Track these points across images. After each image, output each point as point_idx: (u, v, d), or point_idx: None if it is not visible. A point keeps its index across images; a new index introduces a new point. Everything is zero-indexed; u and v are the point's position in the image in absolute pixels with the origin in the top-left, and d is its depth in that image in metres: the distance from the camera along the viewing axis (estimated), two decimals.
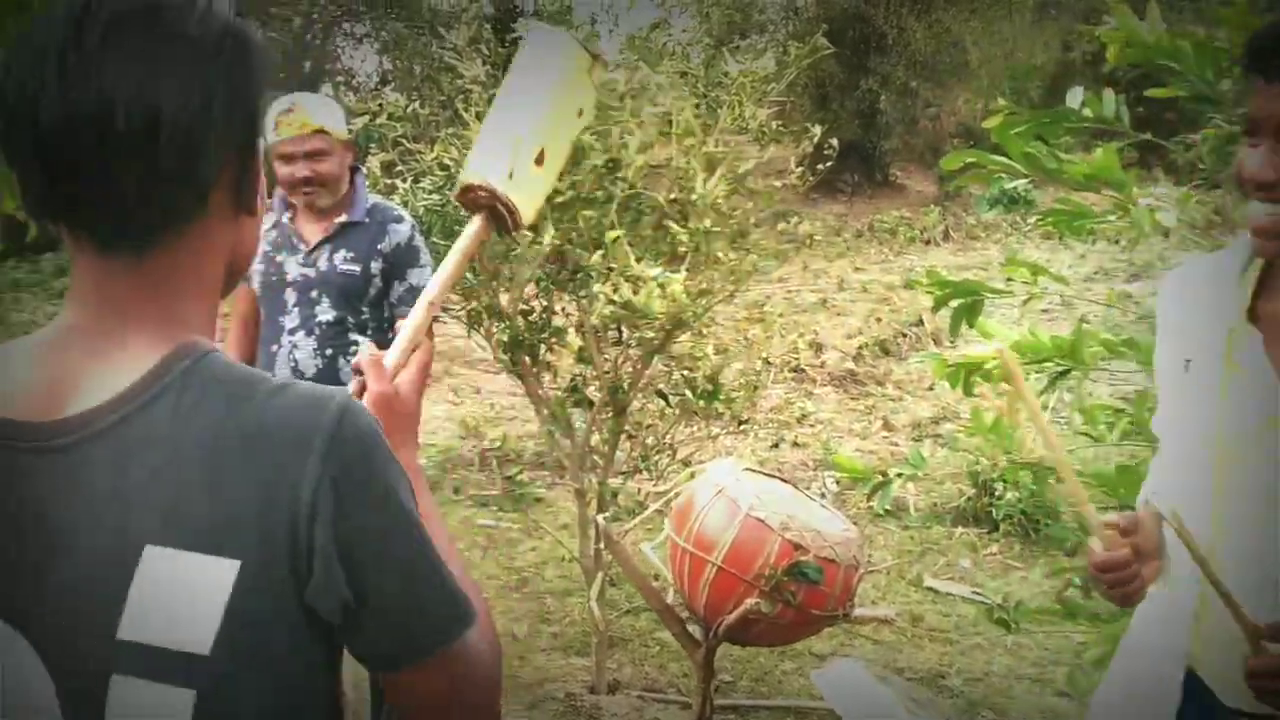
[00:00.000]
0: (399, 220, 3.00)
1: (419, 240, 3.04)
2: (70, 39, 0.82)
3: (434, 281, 1.34)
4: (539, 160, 1.40)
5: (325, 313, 2.92)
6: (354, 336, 2.92)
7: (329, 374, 2.88)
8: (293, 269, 2.95)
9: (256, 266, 2.96)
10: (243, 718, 0.84)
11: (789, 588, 2.55)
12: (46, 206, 0.87)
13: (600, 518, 3.17)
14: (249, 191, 0.94)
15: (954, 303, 2.67)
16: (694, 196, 3.22)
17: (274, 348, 2.94)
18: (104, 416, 0.84)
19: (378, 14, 12.80)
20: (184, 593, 0.81)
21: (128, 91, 0.82)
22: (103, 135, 0.82)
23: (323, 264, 2.93)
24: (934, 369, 2.75)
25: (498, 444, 5.85)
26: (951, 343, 3.49)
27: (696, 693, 2.96)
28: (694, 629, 2.89)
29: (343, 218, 2.96)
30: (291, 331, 2.92)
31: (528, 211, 1.40)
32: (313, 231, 2.97)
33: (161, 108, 0.83)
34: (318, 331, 2.91)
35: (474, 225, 1.39)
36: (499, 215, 1.37)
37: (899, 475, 2.90)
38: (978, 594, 4.41)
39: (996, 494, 5.07)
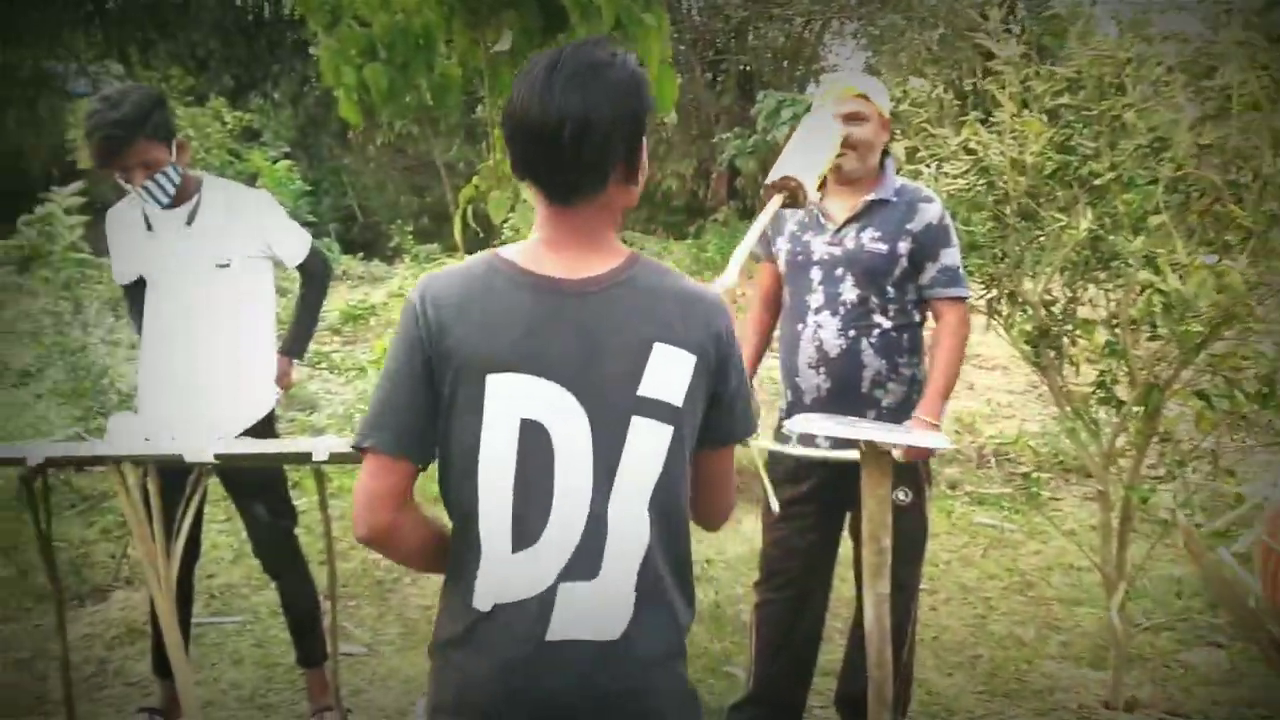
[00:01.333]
0: (929, 200, 2.91)
1: (948, 220, 2.94)
2: (544, 82, 1.46)
3: (742, 246, 2.49)
4: (820, 176, 2.70)
5: (849, 292, 2.89)
6: (877, 318, 2.89)
7: (851, 356, 2.88)
8: (819, 247, 2.94)
9: (783, 245, 3.02)
10: (686, 442, 1.54)
11: None
12: (527, 171, 1.52)
13: (1182, 516, 2.92)
14: (634, 169, 1.54)
15: None
16: (1258, 177, 2.88)
17: (799, 326, 2.96)
18: (614, 278, 1.53)
19: (870, 9, 12.84)
20: (672, 370, 1.50)
21: (573, 113, 1.44)
22: (556, 138, 1.45)
23: (849, 242, 2.90)
24: None
25: (995, 440, 5.65)
26: None
27: None
28: None
29: (871, 195, 2.90)
30: (816, 310, 2.92)
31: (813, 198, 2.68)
32: (840, 209, 2.94)
33: (591, 122, 1.45)
34: (841, 311, 2.89)
35: (775, 203, 2.61)
36: (794, 200, 2.61)
37: None
38: None
39: None
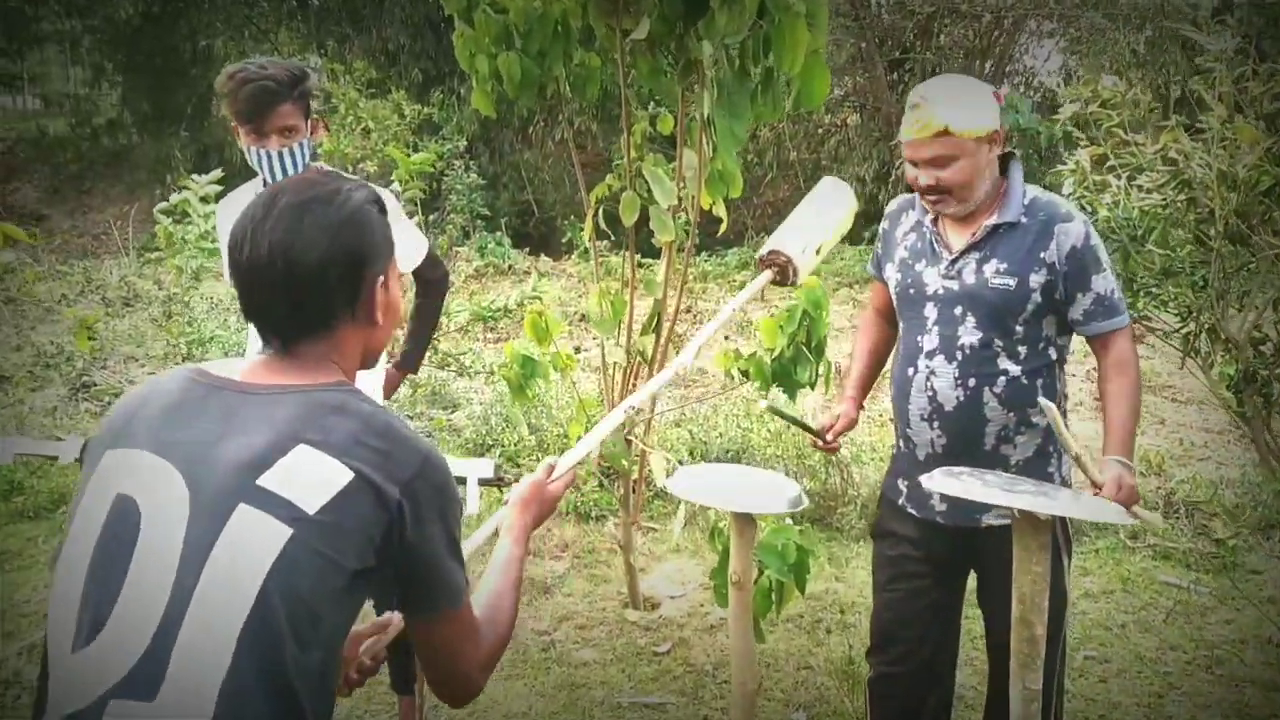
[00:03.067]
0: (1068, 218, 2.43)
1: (1096, 239, 2.44)
2: (260, 217, 1.40)
3: (711, 325, 2.43)
4: (819, 251, 2.64)
5: (969, 334, 2.46)
6: (1003, 363, 2.44)
7: (971, 409, 2.46)
8: (933, 280, 2.53)
9: (892, 273, 2.64)
10: (317, 560, 1.28)
11: None
12: (247, 312, 1.46)
13: None
14: (366, 309, 1.46)
15: None
16: None
17: (910, 370, 2.56)
18: (299, 388, 1.38)
19: (1067, 7, 11.98)
20: (313, 474, 1.30)
21: (284, 251, 1.38)
22: (269, 277, 1.39)
23: (969, 276, 2.48)
24: None
25: (1185, 486, 5.03)
26: None
27: None
28: None
29: (993, 219, 2.46)
30: (929, 354, 2.52)
31: (805, 277, 2.68)
32: (958, 236, 2.52)
33: (301, 261, 1.39)
34: (959, 356, 2.47)
35: (764, 278, 2.61)
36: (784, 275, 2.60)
37: None
38: None
39: None
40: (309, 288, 1.38)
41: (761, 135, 12.73)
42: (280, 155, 2.71)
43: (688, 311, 7.99)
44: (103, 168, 16.20)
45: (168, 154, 14.12)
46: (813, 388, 3.58)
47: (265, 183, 2.76)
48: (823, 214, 2.70)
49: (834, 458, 4.66)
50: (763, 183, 12.52)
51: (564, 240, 12.30)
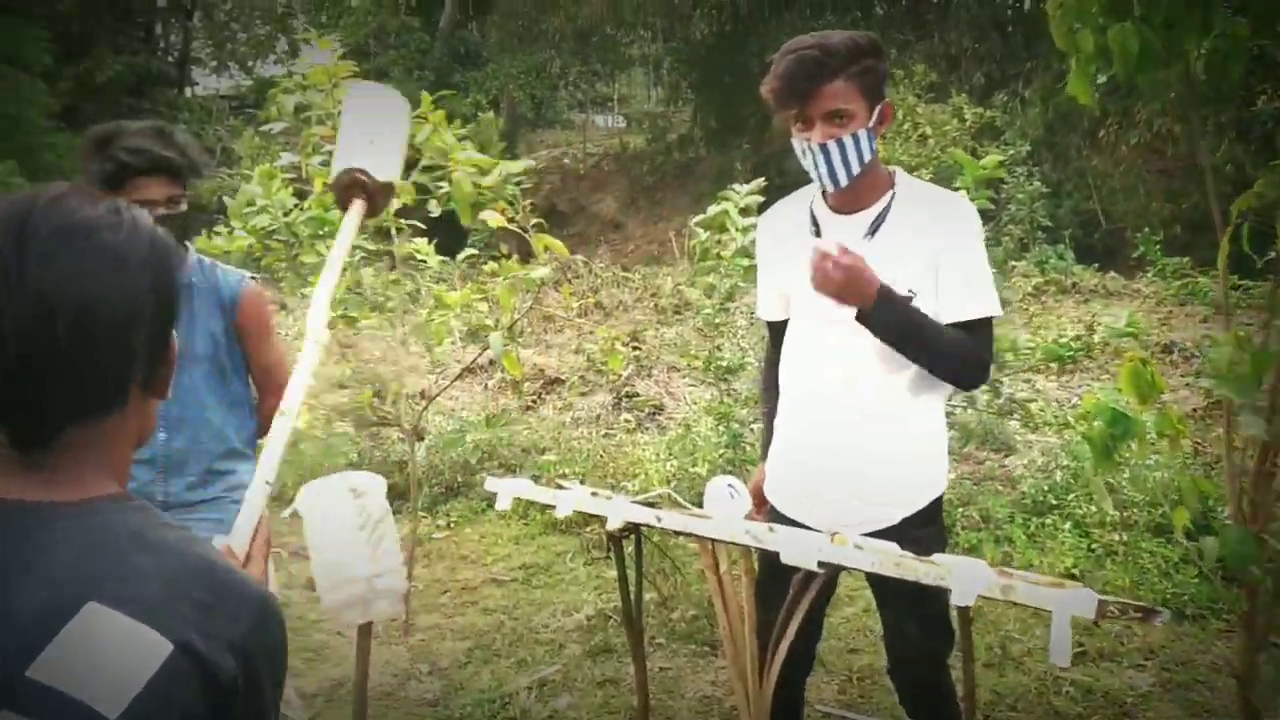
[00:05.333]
0: None
1: None
2: (13, 253, 0.94)
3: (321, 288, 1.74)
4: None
5: None
6: None
7: None
8: None
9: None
10: None
11: None
12: None
13: None
14: (162, 376, 1.09)
15: None
16: None
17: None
18: (61, 506, 0.96)
19: None
20: (113, 652, 0.89)
21: (68, 299, 0.94)
22: (43, 340, 0.94)
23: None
24: None
25: None
26: None
27: None
28: None
29: None
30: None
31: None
32: None
33: (96, 314, 0.96)
34: None
35: (356, 212, 1.84)
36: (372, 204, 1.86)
37: None
38: None
39: None
40: (101, 352, 0.97)
41: None
42: (826, 149, 2.13)
43: None
44: (673, 179, 17.24)
45: (730, 166, 14.58)
46: None
47: (823, 188, 2.22)
48: (374, 118, 1.98)
49: None
50: None
51: (1133, 255, 10.79)
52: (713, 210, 4.01)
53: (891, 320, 2.11)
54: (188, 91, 21.61)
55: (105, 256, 0.98)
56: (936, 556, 2.02)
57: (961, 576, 1.85)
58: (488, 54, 18.55)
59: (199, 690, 0.91)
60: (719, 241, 4.03)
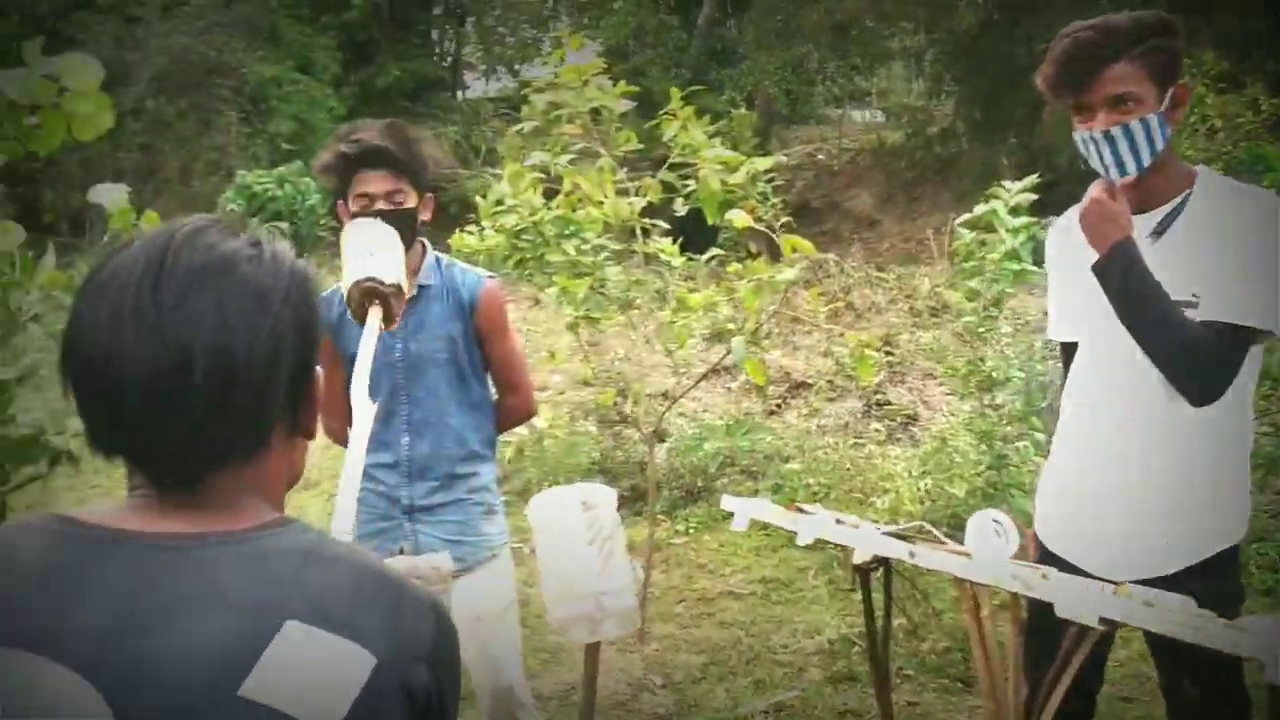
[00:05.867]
0: None
1: None
2: (148, 293, 0.89)
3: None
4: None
5: None
6: None
7: None
8: None
9: None
10: None
11: None
12: (113, 446, 0.94)
13: None
14: (307, 415, 1.02)
15: None
16: None
17: None
18: (225, 535, 0.92)
19: None
20: (320, 666, 0.88)
21: (205, 342, 0.89)
22: (179, 385, 0.89)
23: None
24: None
25: None
26: None
27: None
28: None
29: None
30: None
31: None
32: None
33: (235, 355, 0.90)
34: None
35: (375, 319, 1.94)
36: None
37: None
38: None
39: None
40: (241, 396, 0.92)
41: None
42: (1110, 137, 1.86)
43: None
44: (932, 175, 16.61)
45: (995, 161, 13.83)
46: None
47: (1109, 183, 1.93)
48: (370, 237, 2.08)
49: None
50: None
51: None
52: (979, 209, 3.69)
53: (1121, 272, 1.86)
54: (459, 95, 22.71)
55: (245, 294, 0.93)
56: (1245, 620, 1.70)
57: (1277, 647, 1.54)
58: (744, 50, 18.44)
59: (400, 703, 0.91)
60: (983, 243, 3.71)
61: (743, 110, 12.83)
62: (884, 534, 2.05)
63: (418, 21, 22.17)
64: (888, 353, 6.87)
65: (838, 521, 2.11)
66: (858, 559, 2.03)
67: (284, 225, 13.92)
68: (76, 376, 0.93)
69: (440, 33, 23.49)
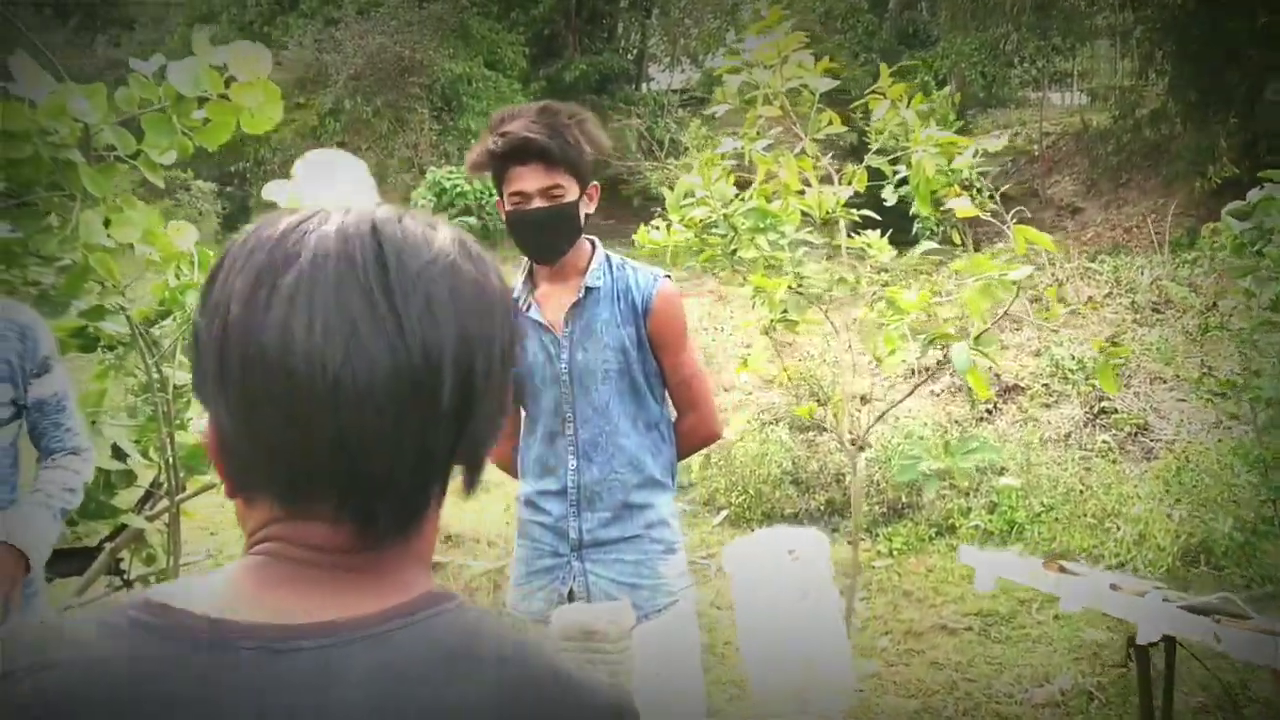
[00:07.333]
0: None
1: None
2: (380, 296, 0.71)
3: None
4: None
5: None
6: None
7: None
8: None
9: None
10: None
11: None
12: (309, 479, 0.72)
13: None
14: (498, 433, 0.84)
15: None
16: None
17: None
18: (380, 622, 0.73)
19: None
20: None
21: (448, 354, 0.72)
22: (429, 402, 0.72)
23: None
24: None
25: None
26: None
27: None
28: None
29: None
30: None
31: None
32: None
33: (475, 367, 0.74)
34: None
35: None
36: None
37: None
38: None
39: None
40: (480, 408, 0.74)
41: None
42: None
43: None
44: (1141, 159, 15.46)
45: (1211, 144, 12.67)
46: None
47: None
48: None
49: None
50: None
51: None
52: (1254, 195, 3.12)
53: None
54: (643, 88, 22.61)
55: (470, 291, 0.76)
56: None
57: None
58: (938, 32, 17.60)
59: None
60: (1267, 234, 3.13)
61: (947, 90, 12.13)
62: (1179, 607, 1.62)
63: (604, 15, 22.19)
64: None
65: (1112, 587, 1.69)
66: (1143, 639, 1.61)
67: (472, 220, 14.11)
68: (277, 394, 0.71)
69: (625, 25, 23.47)
